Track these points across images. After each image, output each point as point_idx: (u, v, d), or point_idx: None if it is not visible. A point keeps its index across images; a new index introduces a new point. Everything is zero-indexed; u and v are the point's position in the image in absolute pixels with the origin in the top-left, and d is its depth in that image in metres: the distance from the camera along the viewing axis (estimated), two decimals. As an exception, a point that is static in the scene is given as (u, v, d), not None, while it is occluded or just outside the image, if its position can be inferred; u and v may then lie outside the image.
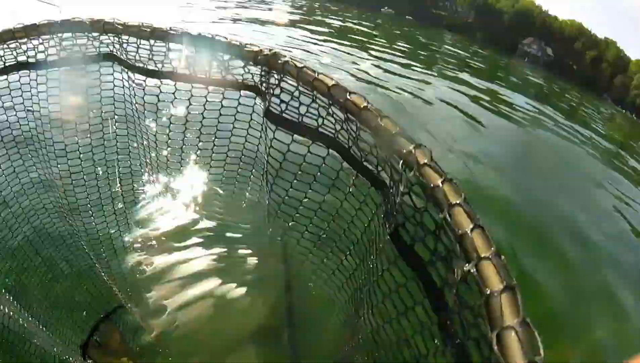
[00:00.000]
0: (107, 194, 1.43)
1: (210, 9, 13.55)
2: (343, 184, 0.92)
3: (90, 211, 1.45)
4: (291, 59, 0.86)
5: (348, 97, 0.67)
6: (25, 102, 1.25)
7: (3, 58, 1.16)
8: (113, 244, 1.66)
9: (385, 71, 9.45)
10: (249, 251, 2.15)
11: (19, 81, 1.21)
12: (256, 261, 2.11)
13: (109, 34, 0.96)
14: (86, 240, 1.53)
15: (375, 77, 8.25)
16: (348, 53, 10.62)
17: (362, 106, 0.65)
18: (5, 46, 1.15)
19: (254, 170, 1.11)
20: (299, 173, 1.01)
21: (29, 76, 1.15)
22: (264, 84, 0.97)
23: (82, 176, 1.33)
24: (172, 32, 0.94)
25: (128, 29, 0.95)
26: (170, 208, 2.22)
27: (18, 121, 1.29)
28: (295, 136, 0.93)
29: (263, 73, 0.95)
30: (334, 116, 0.78)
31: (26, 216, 1.36)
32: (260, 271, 2.06)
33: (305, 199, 1.05)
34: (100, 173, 1.36)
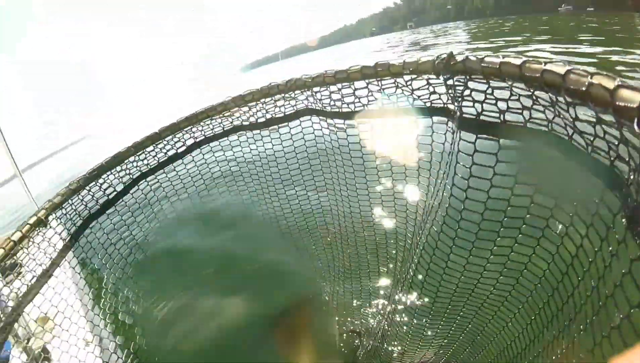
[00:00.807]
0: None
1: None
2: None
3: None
4: (469, 54, 0.73)
5: (545, 67, 0.50)
6: (244, 155, 1.60)
7: (221, 124, 1.54)
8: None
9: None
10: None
11: (237, 139, 1.56)
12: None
13: (301, 90, 1.08)
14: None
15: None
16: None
17: (563, 72, 0.46)
18: (221, 115, 1.52)
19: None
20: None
21: (245, 135, 1.47)
22: (450, 93, 0.87)
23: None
24: (352, 70, 0.98)
25: (315, 80, 1.05)
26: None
27: (240, 171, 1.68)
28: (502, 140, 0.78)
29: (446, 81, 0.85)
30: (538, 101, 0.60)
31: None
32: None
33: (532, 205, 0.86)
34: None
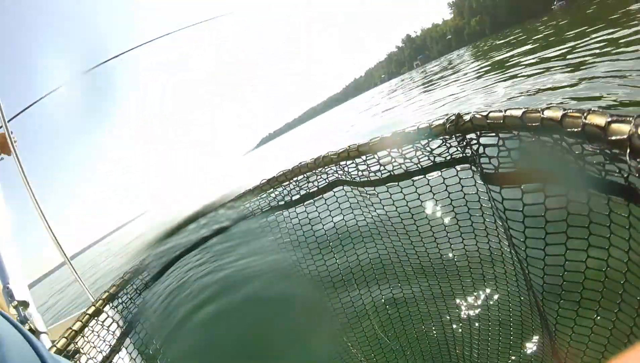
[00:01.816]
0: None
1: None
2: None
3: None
4: (474, 112, 0.82)
5: (543, 115, 0.56)
6: (283, 236, 1.70)
7: (260, 205, 1.68)
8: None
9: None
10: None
11: (275, 219, 1.68)
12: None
13: (329, 166, 1.22)
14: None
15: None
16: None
17: (560, 117, 0.53)
18: (258, 197, 1.67)
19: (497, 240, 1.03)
20: (548, 224, 0.84)
21: (282, 214, 1.59)
22: (467, 151, 0.95)
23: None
24: (372, 142, 1.11)
25: (340, 156, 1.19)
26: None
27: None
28: (523, 186, 0.83)
29: (461, 141, 0.94)
30: (546, 145, 0.66)
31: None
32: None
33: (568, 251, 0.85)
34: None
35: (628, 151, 0.41)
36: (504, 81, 8.94)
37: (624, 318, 0.70)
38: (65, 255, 2.74)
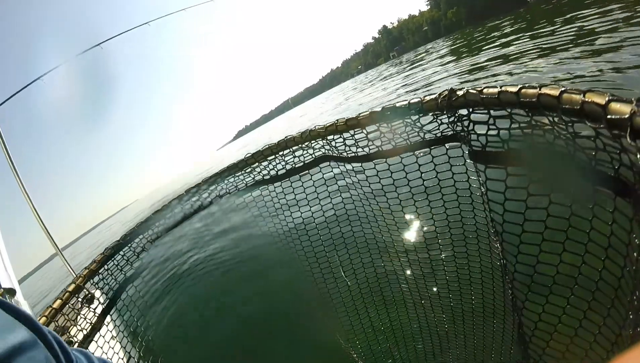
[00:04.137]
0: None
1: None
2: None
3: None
4: (467, 88, 0.79)
5: (541, 91, 0.54)
6: (269, 210, 1.67)
7: (245, 179, 1.63)
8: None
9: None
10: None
11: (260, 194, 1.65)
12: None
13: (317, 140, 1.17)
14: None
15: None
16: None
17: (558, 93, 0.51)
18: (242, 172, 1.62)
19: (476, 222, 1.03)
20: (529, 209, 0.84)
21: (267, 188, 1.56)
22: (458, 127, 0.92)
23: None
24: (361, 116, 1.07)
25: (328, 129, 1.14)
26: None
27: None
28: (508, 168, 0.82)
29: (452, 117, 0.91)
30: (538, 125, 0.64)
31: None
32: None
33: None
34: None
35: (628, 131, 0.39)
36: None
37: (592, 315, 0.71)
38: (46, 229, 2.67)
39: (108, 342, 1.34)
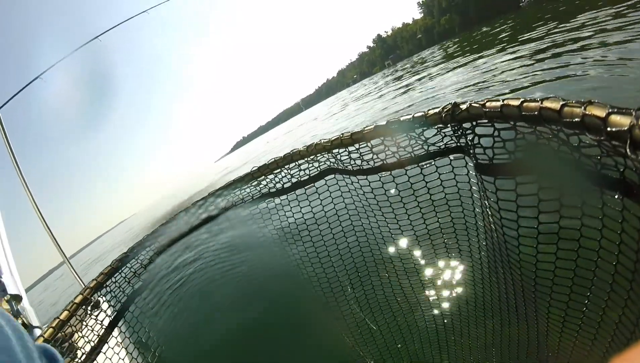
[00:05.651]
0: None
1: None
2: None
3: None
4: (470, 102, 0.81)
5: (542, 105, 0.56)
6: (274, 223, 1.69)
7: (251, 192, 1.65)
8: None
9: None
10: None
11: (266, 206, 1.66)
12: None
13: (322, 153, 1.19)
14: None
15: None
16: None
17: (559, 107, 0.52)
18: (249, 184, 1.64)
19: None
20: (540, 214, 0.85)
21: (273, 201, 1.57)
22: (462, 140, 0.94)
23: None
24: (366, 130, 1.09)
25: (333, 143, 1.16)
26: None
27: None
28: (517, 178, 0.83)
29: (456, 130, 0.93)
30: (541, 136, 0.66)
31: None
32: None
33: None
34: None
35: (628, 143, 0.40)
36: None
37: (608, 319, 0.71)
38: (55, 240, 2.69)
39: (118, 354, 1.35)
